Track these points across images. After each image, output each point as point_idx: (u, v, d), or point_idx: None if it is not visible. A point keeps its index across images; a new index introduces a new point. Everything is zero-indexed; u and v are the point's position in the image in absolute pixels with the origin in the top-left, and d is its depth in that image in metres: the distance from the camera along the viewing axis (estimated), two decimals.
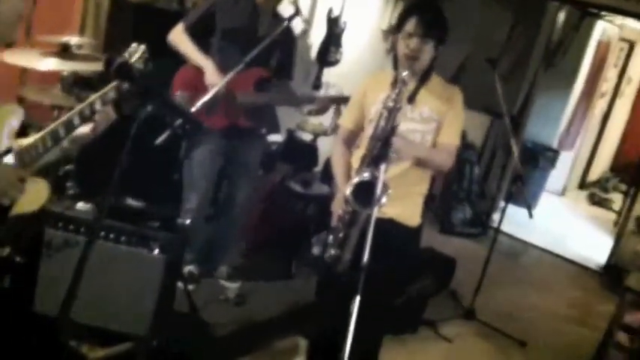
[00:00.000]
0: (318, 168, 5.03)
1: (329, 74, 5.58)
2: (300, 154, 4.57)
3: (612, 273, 5.81)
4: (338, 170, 2.85)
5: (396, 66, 2.74)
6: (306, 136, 4.83)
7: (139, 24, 3.73)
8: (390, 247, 2.64)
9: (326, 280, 2.96)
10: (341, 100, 3.77)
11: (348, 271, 2.57)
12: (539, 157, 7.27)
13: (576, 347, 4.34)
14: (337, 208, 2.68)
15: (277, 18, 3.50)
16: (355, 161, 2.80)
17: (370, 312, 2.69)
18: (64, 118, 1.93)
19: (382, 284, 2.73)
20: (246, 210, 3.78)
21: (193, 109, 3.07)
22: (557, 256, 6.28)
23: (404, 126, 2.66)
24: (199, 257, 3.76)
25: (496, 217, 6.33)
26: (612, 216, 7.90)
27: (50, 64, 2.82)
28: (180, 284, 3.05)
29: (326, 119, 4.84)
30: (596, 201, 8.66)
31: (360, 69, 5.97)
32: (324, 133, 4.63)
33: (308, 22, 5.32)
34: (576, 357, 4.15)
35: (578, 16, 6.15)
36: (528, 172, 7.16)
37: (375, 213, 2.19)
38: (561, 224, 7.37)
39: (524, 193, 4.13)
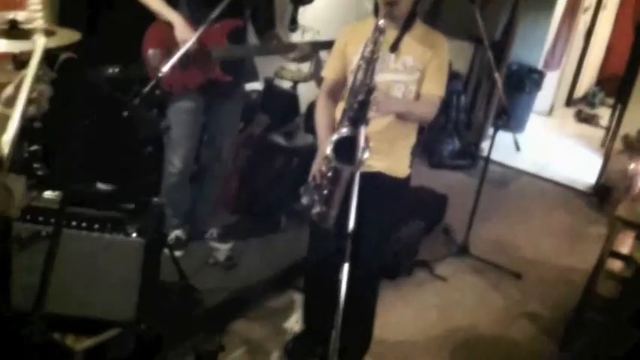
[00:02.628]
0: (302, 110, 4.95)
1: (304, 15, 5.42)
2: (281, 103, 4.47)
3: (601, 193, 5.84)
4: (320, 125, 2.78)
5: (377, 12, 2.63)
6: (286, 84, 4.72)
7: None
8: (379, 199, 2.63)
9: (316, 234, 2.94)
10: (323, 46, 3.65)
11: (336, 232, 2.55)
12: (526, 81, 7.18)
13: (570, 275, 4.38)
14: (319, 165, 2.63)
15: None
16: (339, 113, 2.73)
17: (363, 265, 2.72)
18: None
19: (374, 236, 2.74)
20: (229, 166, 3.71)
21: (165, 69, 2.96)
22: (547, 180, 6.28)
23: (387, 77, 2.59)
24: (186, 221, 3.71)
25: (485, 145, 6.31)
26: (600, 133, 7.88)
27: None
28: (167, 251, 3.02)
29: (305, 65, 4.74)
30: (583, 118, 8.62)
31: (336, 7, 5.79)
32: (304, 80, 4.53)
33: None
34: (570, 285, 4.19)
35: None
36: (515, 97, 7.11)
37: (358, 175, 2.16)
38: (550, 146, 7.35)
39: (510, 127, 4.06)
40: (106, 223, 2.38)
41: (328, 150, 2.30)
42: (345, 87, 2.79)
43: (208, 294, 3.36)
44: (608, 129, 7.33)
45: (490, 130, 6.48)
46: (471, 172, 6.08)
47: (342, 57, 2.73)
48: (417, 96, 2.67)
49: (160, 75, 2.84)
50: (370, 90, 2.24)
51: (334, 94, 2.81)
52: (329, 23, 5.53)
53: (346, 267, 2.12)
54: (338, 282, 2.12)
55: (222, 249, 3.70)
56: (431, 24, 2.76)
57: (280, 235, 4.05)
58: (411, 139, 2.82)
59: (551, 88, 8.18)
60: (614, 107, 7.23)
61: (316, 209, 2.53)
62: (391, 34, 2.53)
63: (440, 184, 5.52)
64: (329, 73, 2.81)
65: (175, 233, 3.66)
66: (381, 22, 2.34)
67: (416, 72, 2.62)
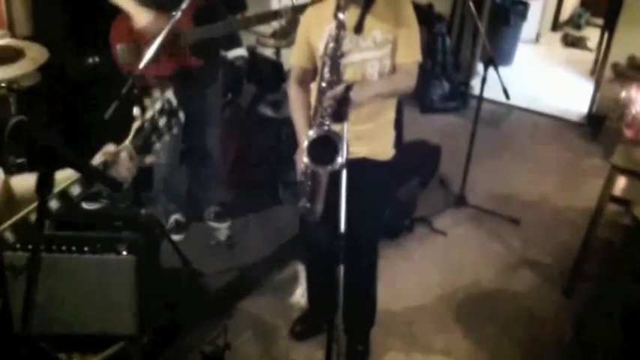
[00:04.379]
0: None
1: None
2: (265, 72, 4.39)
3: (594, 123, 5.81)
4: (296, 115, 2.70)
5: None
6: (268, 51, 4.62)
7: None
8: (366, 185, 2.59)
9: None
10: (299, 10, 3.54)
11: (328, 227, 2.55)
12: (510, 14, 7.04)
13: (569, 215, 4.41)
14: (301, 159, 2.59)
15: None
16: (314, 100, 2.67)
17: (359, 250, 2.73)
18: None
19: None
20: (218, 150, 3.67)
21: (142, 66, 2.89)
22: (539, 113, 6.23)
23: (359, 56, 2.51)
24: (183, 204, 3.71)
25: (474, 83, 6.24)
26: (588, 56, 7.78)
27: None
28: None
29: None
30: (570, 42, 8.49)
31: None
32: (287, 45, 4.43)
33: None
34: (570, 226, 4.23)
35: None
36: (501, 30, 7.01)
37: (345, 174, 2.15)
38: (539, 76, 7.26)
39: (499, 77, 3.99)
40: (96, 244, 2.37)
41: (305, 159, 2.28)
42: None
43: (213, 276, 3.41)
44: (597, 52, 7.22)
45: (479, 67, 6.41)
46: (463, 112, 6.05)
47: (306, 43, 2.63)
48: (392, 67, 2.58)
49: (136, 74, 2.78)
50: (347, 89, 2.20)
51: (305, 81, 2.73)
52: None
53: (342, 269, 2.15)
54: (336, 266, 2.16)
55: (222, 228, 3.74)
56: None
57: (279, 206, 4.06)
58: (392, 112, 2.76)
59: (536, 15, 8.03)
60: (602, 31, 7.11)
61: (302, 204, 2.51)
62: (353, 13, 2.43)
63: (432, 130, 5.52)
64: (297, 61, 2.71)
65: (174, 217, 3.67)
66: (341, 16, 2.25)
67: (387, 44, 2.52)
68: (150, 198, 3.62)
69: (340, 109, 2.19)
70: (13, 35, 3.47)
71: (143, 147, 1.70)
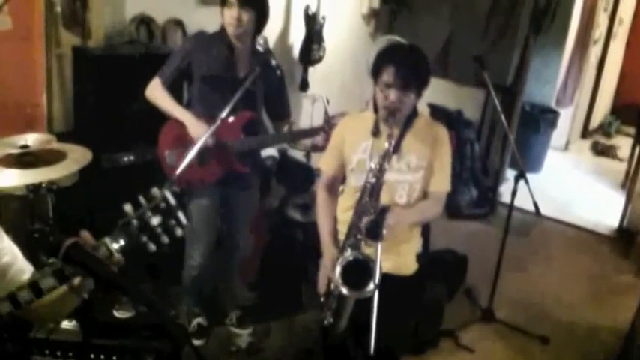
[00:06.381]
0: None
1: (314, 74, 5.41)
2: (295, 175, 4.42)
3: (626, 238, 5.71)
4: (322, 221, 2.70)
5: (376, 109, 2.55)
6: (299, 154, 4.67)
7: (106, 75, 3.54)
8: (389, 300, 2.53)
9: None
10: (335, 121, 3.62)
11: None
12: (540, 122, 7.09)
13: (601, 334, 4.25)
14: (325, 275, 2.56)
15: (256, 55, 3.33)
16: (340, 212, 2.68)
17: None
18: None
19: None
20: (248, 251, 3.68)
21: (181, 168, 2.96)
22: (569, 224, 6.15)
23: (391, 177, 2.51)
24: (206, 308, 3.67)
25: (503, 189, 6.22)
26: (618, 166, 7.75)
27: (9, 177, 2.61)
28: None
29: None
30: (600, 151, 8.49)
31: (345, 59, 5.79)
32: (320, 149, 4.47)
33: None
34: (602, 347, 4.07)
35: None
36: (530, 137, 7.04)
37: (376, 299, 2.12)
38: (569, 185, 7.21)
39: (530, 192, 3.97)
40: (124, 354, 2.33)
41: (342, 289, 2.27)
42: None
43: None
44: (629, 164, 7.17)
45: (507, 173, 6.41)
46: (490, 219, 6.00)
47: (339, 153, 2.67)
48: (422, 193, 2.60)
49: (171, 182, 2.83)
50: (383, 211, 2.21)
51: (334, 189, 2.76)
52: (339, 76, 5.51)
53: None
54: None
55: (244, 335, 3.66)
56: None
57: (302, 310, 3.98)
58: (417, 230, 2.75)
59: (565, 123, 8.06)
60: (633, 143, 7.10)
61: (327, 320, 2.47)
62: (393, 133, 2.46)
63: (459, 237, 5.46)
64: (327, 167, 2.74)
65: (197, 321, 3.62)
66: (387, 146, 2.33)
67: (420, 170, 2.56)
68: (176, 295, 3.63)
69: (376, 229, 2.19)
70: (51, 131, 3.55)
71: (127, 246, 1.59)
